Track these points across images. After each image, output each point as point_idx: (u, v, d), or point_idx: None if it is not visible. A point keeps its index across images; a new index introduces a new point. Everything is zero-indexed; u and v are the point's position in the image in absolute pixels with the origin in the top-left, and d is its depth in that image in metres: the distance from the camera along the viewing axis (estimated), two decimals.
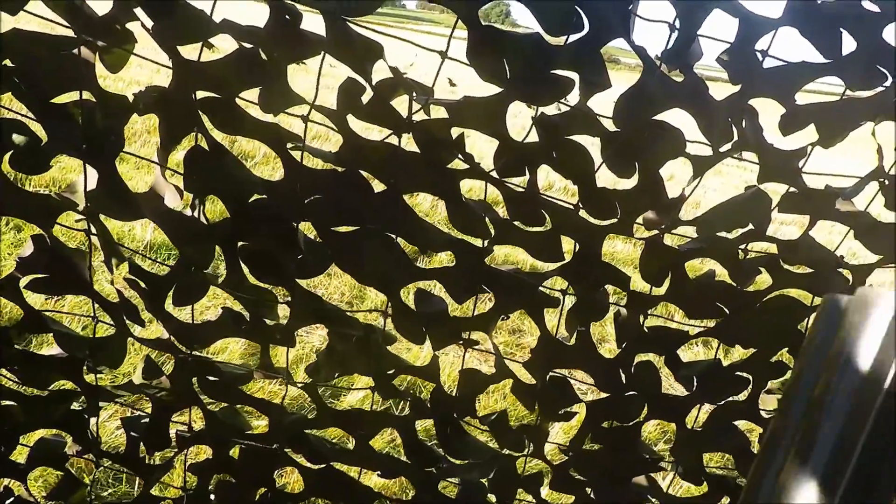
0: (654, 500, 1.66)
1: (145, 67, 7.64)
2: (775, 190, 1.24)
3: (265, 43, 1.09)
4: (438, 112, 1.17)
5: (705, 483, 1.64)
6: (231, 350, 2.70)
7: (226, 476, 1.49)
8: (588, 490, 1.60)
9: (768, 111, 1.28)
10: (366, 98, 1.14)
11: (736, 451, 1.61)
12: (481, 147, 6.71)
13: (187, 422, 1.44)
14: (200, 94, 1.14)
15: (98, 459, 1.45)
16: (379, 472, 1.54)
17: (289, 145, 1.18)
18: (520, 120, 4.27)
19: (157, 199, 1.22)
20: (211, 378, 1.36)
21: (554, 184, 6.46)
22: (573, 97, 1.15)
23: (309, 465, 1.50)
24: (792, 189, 1.28)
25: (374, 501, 1.57)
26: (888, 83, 1.20)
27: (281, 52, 1.11)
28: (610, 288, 1.36)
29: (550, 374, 1.43)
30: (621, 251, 5.07)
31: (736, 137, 1.20)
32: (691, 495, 1.72)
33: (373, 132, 1.22)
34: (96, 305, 1.29)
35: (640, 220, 1.28)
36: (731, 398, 1.52)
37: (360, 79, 1.12)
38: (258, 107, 1.14)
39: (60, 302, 2.72)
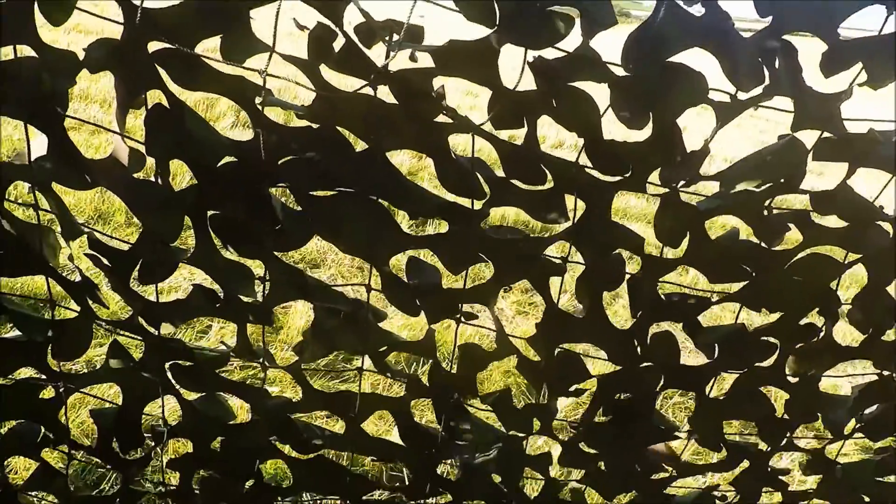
0: (669, 468, 1.54)
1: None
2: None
3: None
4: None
5: (724, 450, 1.52)
6: None
7: (208, 472, 1.38)
8: (599, 463, 1.49)
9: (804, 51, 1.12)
10: (338, 45, 1.01)
11: (760, 418, 1.49)
12: (458, 102, 6.40)
13: (163, 412, 1.33)
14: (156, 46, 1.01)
15: (71, 452, 1.34)
16: (374, 458, 1.43)
17: (257, 100, 1.05)
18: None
19: (116, 165, 1.10)
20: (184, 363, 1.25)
21: (548, 138, 6.25)
22: (574, 39, 1.01)
23: (297, 455, 1.39)
24: (827, 134, 1.13)
25: (369, 491, 1.47)
26: None
27: None
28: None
29: (558, 349, 1.31)
30: (634, 206, 4.86)
31: (767, 80, 1.06)
32: (708, 462, 1.61)
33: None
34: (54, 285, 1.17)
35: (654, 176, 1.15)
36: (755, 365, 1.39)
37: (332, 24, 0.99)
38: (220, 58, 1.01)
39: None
